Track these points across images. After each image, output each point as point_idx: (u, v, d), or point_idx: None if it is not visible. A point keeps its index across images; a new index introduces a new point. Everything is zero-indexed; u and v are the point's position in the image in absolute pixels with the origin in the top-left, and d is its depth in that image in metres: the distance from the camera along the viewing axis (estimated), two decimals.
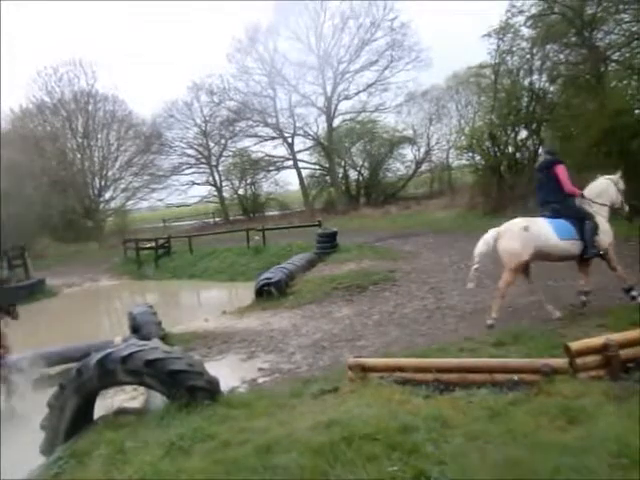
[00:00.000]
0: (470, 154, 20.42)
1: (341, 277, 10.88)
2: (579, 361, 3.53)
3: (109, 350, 4.06)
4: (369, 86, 30.63)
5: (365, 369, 4.23)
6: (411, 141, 31.73)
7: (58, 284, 17.95)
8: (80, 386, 3.97)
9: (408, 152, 32.39)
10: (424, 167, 32.22)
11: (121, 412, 4.26)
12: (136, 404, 5.27)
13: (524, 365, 3.76)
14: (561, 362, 3.61)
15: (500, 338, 5.39)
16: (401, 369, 4.06)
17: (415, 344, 6.31)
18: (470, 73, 21.96)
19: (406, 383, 3.96)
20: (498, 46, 17.37)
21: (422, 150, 31.86)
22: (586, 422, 2.83)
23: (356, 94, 31.13)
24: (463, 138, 22.14)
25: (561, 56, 16.57)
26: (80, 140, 32.35)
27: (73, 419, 3.98)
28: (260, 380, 6.09)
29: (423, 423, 2.96)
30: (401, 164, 32.84)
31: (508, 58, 17.64)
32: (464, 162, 23.13)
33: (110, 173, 33.89)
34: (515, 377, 3.64)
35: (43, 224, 29.69)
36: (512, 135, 18.11)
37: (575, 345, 3.60)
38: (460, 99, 28.64)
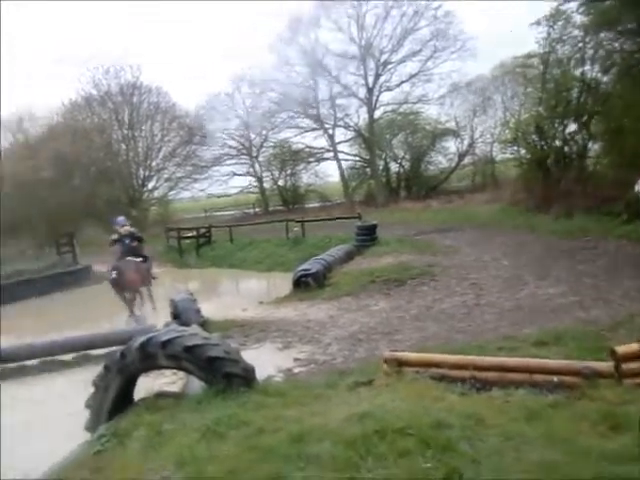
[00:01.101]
0: (515, 147, 19.87)
1: (379, 270, 10.82)
2: (625, 366, 3.38)
3: (151, 335, 4.17)
4: (412, 77, 30.11)
5: (401, 363, 4.21)
6: (454, 133, 31.08)
7: (103, 271, 18.51)
8: (123, 368, 4.11)
9: (451, 145, 31.76)
10: (467, 160, 31.52)
11: (160, 395, 4.38)
12: (175, 388, 5.40)
13: (565, 367, 3.65)
14: (605, 366, 3.48)
15: (541, 338, 5.26)
16: (437, 365, 4.02)
17: (452, 340, 6.23)
18: (517, 63, 21.28)
19: (442, 379, 3.93)
20: (548, 34, 16.71)
21: (465, 143, 31.18)
22: (631, 430, 2.72)
23: (398, 85, 30.70)
24: (508, 131, 21.51)
25: (615, 44, 15.81)
26: (126, 131, 33.14)
27: (116, 399, 4.12)
28: (296, 370, 6.14)
29: (458, 420, 2.93)
30: (443, 157, 32.24)
31: (558, 47, 16.95)
32: (508, 156, 22.55)
33: (154, 163, 34.63)
34: (555, 379, 3.54)
35: (90, 213, 30.69)
36: (560, 128, 17.49)
37: (622, 349, 3.45)
38: (506, 90, 27.82)
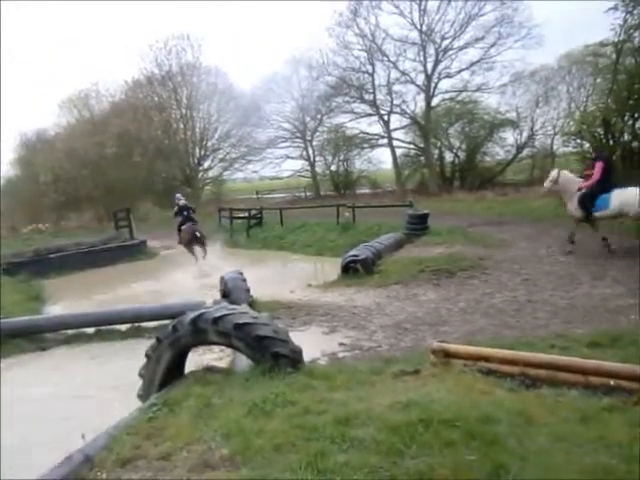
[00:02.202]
0: (578, 141, 19.02)
1: (429, 260, 10.68)
2: None
3: (202, 311, 4.28)
4: (472, 64, 29.20)
5: (448, 355, 4.16)
6: (513, 124, 30.01)
7: (157, 246, 19.13)
8: (174, 341, 4.24)
9: (509, 136, 30.70)
10: (525, 152, 30.38)
11: (209, 370, 4.50)
12: (222, 364, 5.55)
13: (622, 370, 3.51)
14: None
15: (595, 339, 5.08)
16: (486, 359, 3.95)
17: (501, 336, 6.11)
18: (587, 52, 20.29)
19: (490, 374, 3.86)
20: (625, 21, 15.74)
21: (524, 134, 30.10)
22: None
23: (458, 72, 29.88)
24: (572, 123, 20.62)
25: None
26: (184, 111, 33.88)
27: (167, 371, 4.26)
28: (340, 355, 6.18)
29: (506, 416, 2.88)
30: (501, 148, 31.24)
31: (636, 34, 15.99)
32: (570, 149, 21.61)
33: (209, 143, 35.34)
34: (611, 382, 3.41)
35: (147, 189, 31.71)
36: (630, 122, 16.59)
37: None
38: (572, 80, 26.70)
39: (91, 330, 8.45)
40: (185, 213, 14.87)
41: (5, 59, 67.56)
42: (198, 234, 14.44)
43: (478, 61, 29.03)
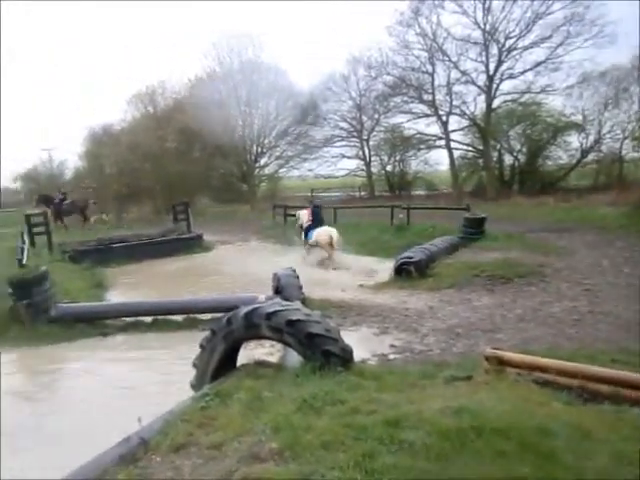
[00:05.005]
0: None
1: (485, 265, 10.44)
2: None
3: (256, 305, 4.36)
4: (538, 65, 28.01)
5: (502, 362, 4.06)
6: (579, 127, 28.64)
7: (213, 240, 19.58)
8: (228, 334, 4.33)
9: (574, 139, 29.20)
10: (590, 157, 28.97)
11: (260, 364, 4.57)
12: (273, 359, 5.62)
13: None
14: None
15: None
16: (543, 369, 3.83)
17: (559, 346, 5.91)
18: None
19: (546, 385, 3.74)
20: None
21: (591, 138, 28.61)
22: None
23: (522, 73, 28.76)
24: None
25: None
26: (243, 108, 34.44)
27: (220, 362, 4.36)
28: (391, 356, 6.15)
29: (563, 430, 2.78)
30: (564, 152, 29.82)
31: None
32: None
33: (267, 141, 35.74)
34: None
35: (205, 184, 32.49)
36: None
37: None
38: None
39: (148, 319, 8.77)
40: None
41: (79, 57, 70.99)
42: None
43: (544, 61, 27.89)
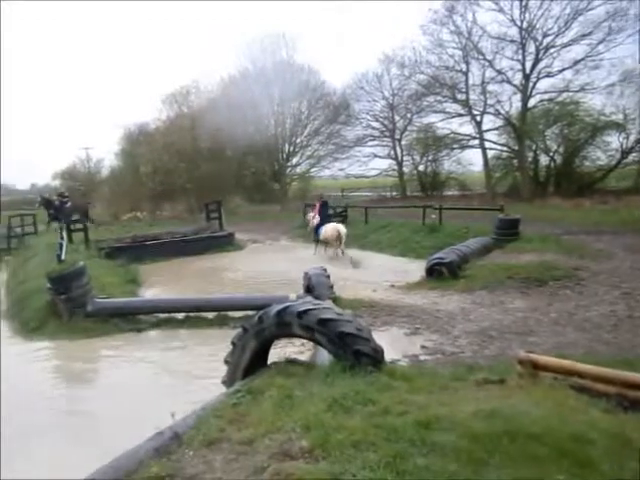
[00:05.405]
0: None
1: (518, 267, 10.25)
2: None
3: (288, 304, 4.37)
4: (577, 62, 27.20)
5: (537, 366, 3.97)
6: (619, 127, 27.77)
7: (245, 239, 19.77)
8: (260, 331, 4.36)
9: (614, 140, 28.37)
10: (631, 158, 28.07)
11: (291, 362, 4.59)
12: (303, 358, 5.64)
13: None
14: None
15: None
16: (580, 375, 3.73)
17: (595, 352, 5.77)
18: None
19: (583, 391, 3.64)
20: None
21: (632, 138, 27.74)
22: None
23: (560, 71, 28.05)
24: None
25: None
26: (275, 107, 34.66)
27: (251, 359, 4.40)
28: (421, 357, 6.11)
29: (601, 438, 2.70)
30: (603, 152, 29.00)
31: None
32: None
33: (298, 140, 35.92)
34: None
35: (237, 183, 32.81)
36: None
37: None
38: None
39: (180, 315, 8.92)
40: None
41: (118, 57, 72.60)
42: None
43: (583, 59, 27.09)
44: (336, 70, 65.93)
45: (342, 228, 15.09)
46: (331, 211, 18.92)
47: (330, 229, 15.12)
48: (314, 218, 16.77)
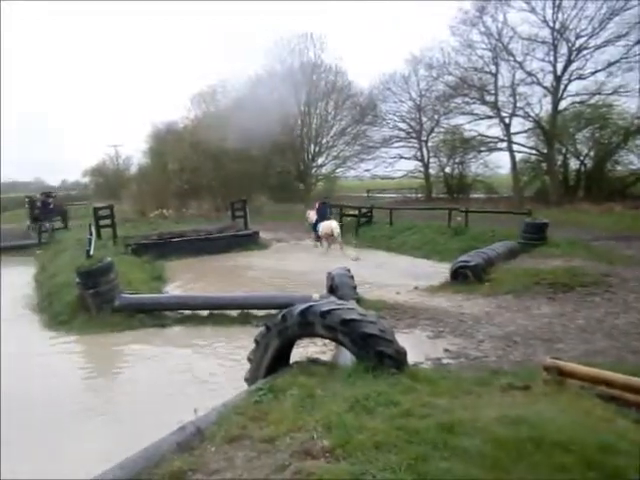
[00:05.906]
0: None
1: (545, 272, 10.06)
2: None
3: (311, 303, 4.38)
4: (611, 64, 26.39)
5: (563, 373, 3.91)
6: None
7: (269, 238, 19.87)
8: (283, 330, 4.37)
9: None
10: None
11: (313, 362, 4.59)
12: (326, 358, 5.64)
13: None
14: None
15: None
16: (607, 383, 3.66)
17: (624, 360, 5.62)
18: None
19: (611, 400, 3.57)
20: None
21: None
22: None
23: (593, 73, 27.34)
24: None
25: None
26: (302, 107, 34.74)
27: (274, 358, 4.42)
28: (445, 361, 6.05)
29: (630, 449, 2.64)
30: (636, 157, 28.34)
31: None
32: None
33: (324, 140, 35.96)
34: None
35: (263, 183, 32.99)
36: None
37: None
38: None
39: (204, 312, 9.01)
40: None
41: (148, 56, 73.63)
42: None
43: (617, 61, 26.34)
44: (364, 71, 65.75)
45: (335, 225, 16.58)
46: (340, 210, 21.11)
47: (324, 226, 16.65)
48: (312, 216, 18.20)
